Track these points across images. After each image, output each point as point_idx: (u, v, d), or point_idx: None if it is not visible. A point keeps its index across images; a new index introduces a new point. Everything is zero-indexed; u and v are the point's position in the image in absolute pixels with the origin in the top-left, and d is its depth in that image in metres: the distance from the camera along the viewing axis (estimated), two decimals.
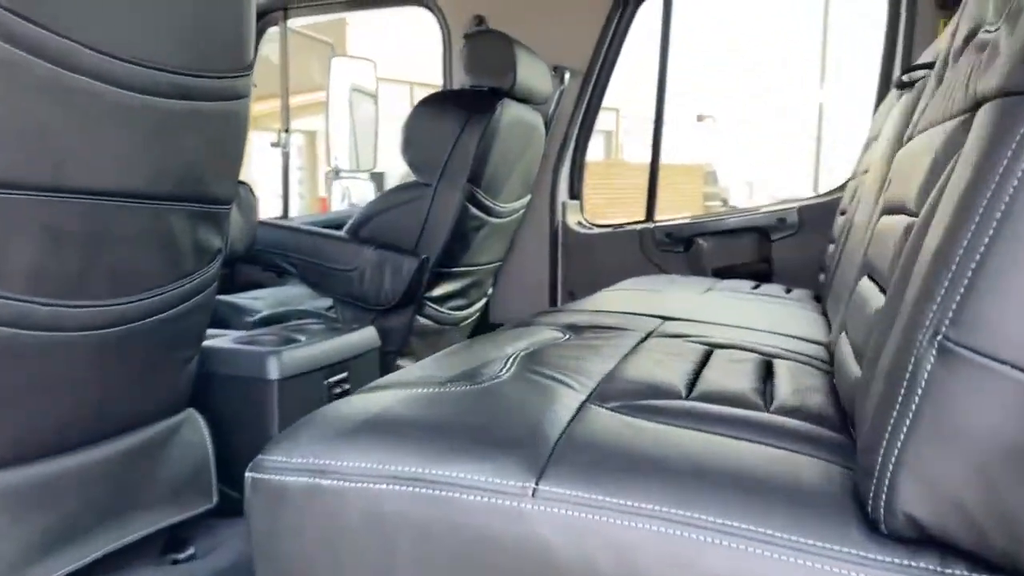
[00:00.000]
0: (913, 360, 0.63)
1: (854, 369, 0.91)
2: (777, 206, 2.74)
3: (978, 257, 0.59)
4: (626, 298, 1.86)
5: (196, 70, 1.10)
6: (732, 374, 1.05)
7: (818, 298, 2.17)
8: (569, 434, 0.82)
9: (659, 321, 1.48)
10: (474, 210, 2.35)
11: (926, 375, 0.62)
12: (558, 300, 2.99)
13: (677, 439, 0.82)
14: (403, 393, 0.93)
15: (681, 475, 0.75)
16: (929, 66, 1.48)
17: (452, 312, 2.55)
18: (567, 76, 2.83)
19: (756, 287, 2.26)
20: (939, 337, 0.61)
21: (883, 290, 0.91)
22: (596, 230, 2.97)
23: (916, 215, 0.83)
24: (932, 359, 0.61)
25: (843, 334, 1.13)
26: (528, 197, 2.70)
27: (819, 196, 2.67)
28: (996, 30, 0.76)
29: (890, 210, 0.99)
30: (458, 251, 2.40)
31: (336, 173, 3.51)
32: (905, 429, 0.62)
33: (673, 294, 1.97)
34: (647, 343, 1.26)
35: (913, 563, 0.65)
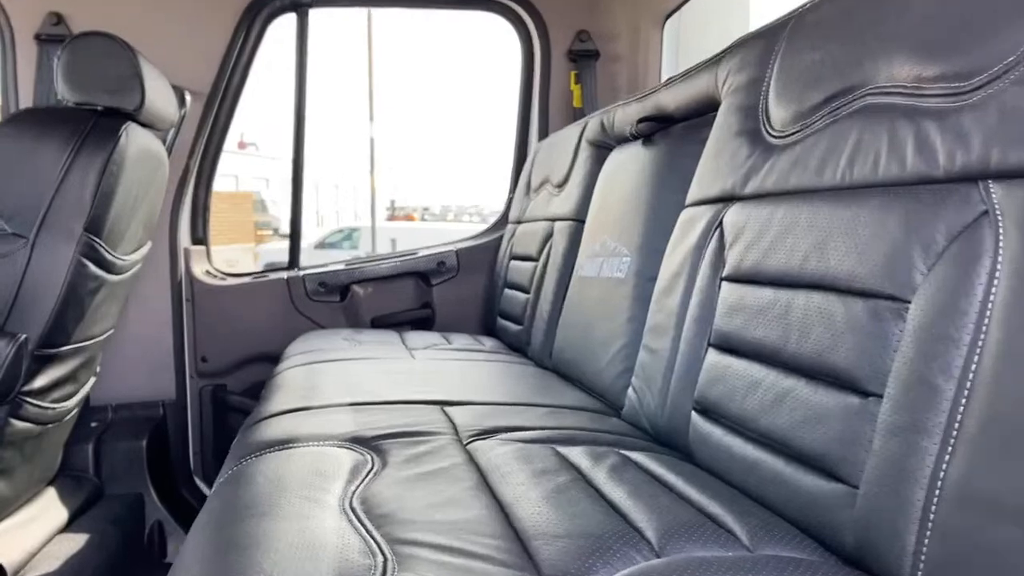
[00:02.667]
0: None
1: (806, 480, 0.80)
2: (436, 248, 2.62)
3: None
4: (345, 374, 1.54)
5: None
6: (641, 493, 0.87)
7: (511, 346, 2.10)
8: None
9: (439, 410, 1.22)
10: (92, 267, 1.76)
11: None
12: (186, 368, 2.44)
13: None
14: None
15: None
16: (659, 119, 1.49)
17: (57, 405, 1.88)
18: (188, 98, 2.33)
19: (449, 341, 2.10)
20: None
21: (815, 378, 0.82)
22: (231, 280, 2.50)
23: (875, 296, 0.75)
24: None
25: (708, 422, 1.02)
26: (148, 245, 2.15)
27: (476, 237, 2.63)
28: (960, 95, 0.72)
29: (795, 284, 0.90)
30: (70, 324, 1.77)
31: None
32: None
33: (389, 362, 1.70)
34: (478, 455, 1.00)
35: None
